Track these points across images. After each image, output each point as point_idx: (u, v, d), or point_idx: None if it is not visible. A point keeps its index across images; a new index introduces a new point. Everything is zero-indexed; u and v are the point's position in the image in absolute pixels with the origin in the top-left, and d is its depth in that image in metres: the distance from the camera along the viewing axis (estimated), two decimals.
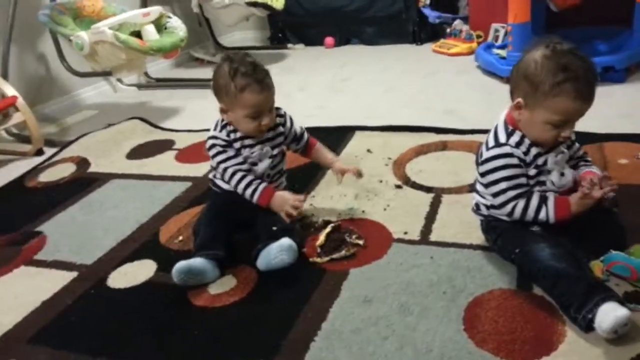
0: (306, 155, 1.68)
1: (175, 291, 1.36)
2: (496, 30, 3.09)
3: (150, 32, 2.66)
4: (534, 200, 1.22)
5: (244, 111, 1.44)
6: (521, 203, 1.23)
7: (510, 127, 1.24)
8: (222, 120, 1.53)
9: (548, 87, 1.12)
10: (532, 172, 1.24)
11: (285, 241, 1.35)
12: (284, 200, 1.48)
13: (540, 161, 1.23)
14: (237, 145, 1.52)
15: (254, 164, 1.53)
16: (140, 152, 2.36)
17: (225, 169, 1.51)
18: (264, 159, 1.55)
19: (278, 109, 1.58)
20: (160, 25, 2.78)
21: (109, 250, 1.61)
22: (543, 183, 1.25)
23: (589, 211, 1.22)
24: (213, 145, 1.52)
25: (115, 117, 2.83)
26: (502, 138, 1.24)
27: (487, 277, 1.26)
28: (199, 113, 2.80)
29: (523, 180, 1.24)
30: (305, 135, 1.65)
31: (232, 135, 1.51)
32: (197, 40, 3.91)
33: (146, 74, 3.42)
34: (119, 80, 3.35)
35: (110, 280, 1.47)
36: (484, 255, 1.34)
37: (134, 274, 1.48)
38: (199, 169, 2.07)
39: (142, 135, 2.55)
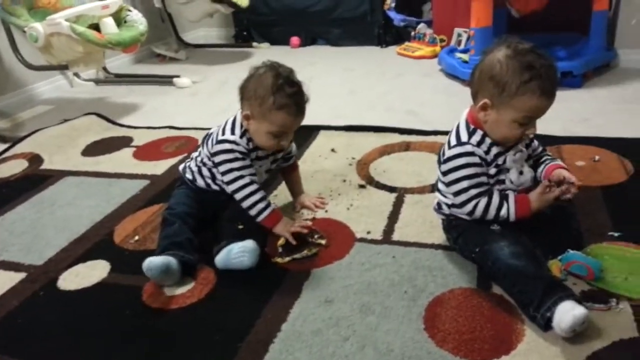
0: (284, 173, 1.67)
1: (129, 293, 1.31)
2: (459, 35, 3.13)
3: (109, 25, 2.57)
4: (495, 198, 1.23)
5: (272, 127, 1.39)
6: (483, 201, 1.24)
7: (472, 127, 1.25)
8: (242, 126, 1.45)
9: (515, 87, 1.13)
10: (492, 171, 1.25)
11: (250, 244, 1.32)
12: (291, 223, 1.46)
13: (500, 160, 1.25)
14: (252, 155, 1.47)
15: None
16: (96, 148, 2.28)
17: (240, 177, 1.43)
18: (262, 172, 1.53)
19: None
20: (119, 19, 2.70)
21: (60, 251, 1.54)
22: (502, 182, 1.27)
23: (548, 210, 1.24)
24: (231, 150, 1.42)
25: (71, 113, 2.73)
26: (464, 137, 1.25)
27: (448, 277, 1.26)
28: (159, 110, 2.73)
29: (484, 179, 1.24)
30: (294, 158, 1.64)
31: (251, 144, 1.46)
32: (159, 36, 3.82)
33: (105, 69, 3.32)
34: (76, 74, 3.23)
35: (60, 281, 1.40)
36: (445, 255, 1.34)
37: (86, 274, 1.41)
38: (158, 167, 2.01)
39: (98, 132, 2.46)
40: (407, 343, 1.08)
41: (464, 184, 1.24)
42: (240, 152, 1.43)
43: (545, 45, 2.69)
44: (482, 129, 1.24)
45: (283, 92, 1.36)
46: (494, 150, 1.24)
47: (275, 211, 1.46)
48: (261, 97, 1.37)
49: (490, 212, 1.24)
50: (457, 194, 1.26)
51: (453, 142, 1.26)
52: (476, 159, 1.23)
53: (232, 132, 1.45)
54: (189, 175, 1.57)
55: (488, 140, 1.24)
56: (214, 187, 1.53)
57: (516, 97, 1.14)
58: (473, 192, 1.24)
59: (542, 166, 1.32)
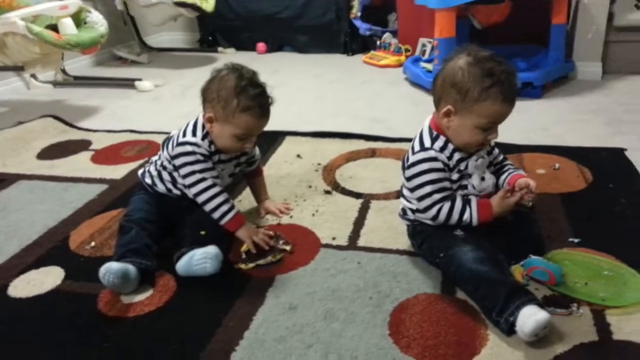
0: (248, 178, 1.64)
1: (84, 300, 1.26)
2: (423, 45, 3.17)
3: (67, 25, 2.49)
4: (458, 203, 1.24)
5: (236, 130, 1.36)
6: (446, 206, 1.24)
7: (435, 132, 1.26)
8: (203, 128, 1.42)
9: (477, 93, 1.15)
10: (454, 176, 1.26)
11: (212, 249, 1.28)
12: (255, 231, 1.43)
13: (462, 166, 1.26)
14: (214, 158, 1.44)
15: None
16: (52, 152, 2.19)
17: (202, 179, 1.39)
18: (225, 177, 1.50)
19: None
20: (79, 20, 2.62)
21: (11, 257, 1.46)
22: (465, 187, 1.28)
23: (510, 216, 1.26)
24: (192, 152, 1.38)
25: (26, 115, 2.63)
26: (427, 143, 1.25)
27: (413, 282, 1.26)
28: (119, 113, 2.66)
29: (447, 184, 1.25)
30: (257, 162, 1.61)
31: (213, 147, 1.42)
32: (121, 39, 3.74)
33: (63, 70, 3.23)
34: (33, 76, 3.12)
35: (11, 288, 1.33)
36: (410, 260, 1.34)
37: (38, 282, 1.35)
38: (117, 171, 1.94)
39: (54, 135, 2.37)
40: (372, 349, 1.06)
41: (427, 188, 1.24)
42: (201, 155, 1.40)
43: (506, 56, 2.73)
44: (445, 135, 1.25)
45: (247, 94, 1.34)
46: (457, 156, 1.25)
47: (238, 214, 1.43)
48: (224, 100, 1.34)
49: (454, 216, 1.24)
50: (420, 199, 1.26)
51: (417, 147, 1.26)
52: (439, 164, 1.24)
53: (194, 135, 1.41)
54: (148, 180, 1.52)
55: (451, 146, 1.25)
56: (175, 191, 1.49)
57: (478, 103, 1.16)
58: (436, 196, 1.24)
59: (506, 174, 1.33)
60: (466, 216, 1.24)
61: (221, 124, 1.37)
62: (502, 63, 1.17)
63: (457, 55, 1.20)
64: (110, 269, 1.24)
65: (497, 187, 1.33)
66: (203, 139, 1.41)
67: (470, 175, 1.27)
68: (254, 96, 1.35)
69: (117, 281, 1.24)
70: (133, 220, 1.42)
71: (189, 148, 1.39)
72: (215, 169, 1.43)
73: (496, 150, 1.37)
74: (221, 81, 1.36)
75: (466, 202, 1.25)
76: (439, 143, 1.25)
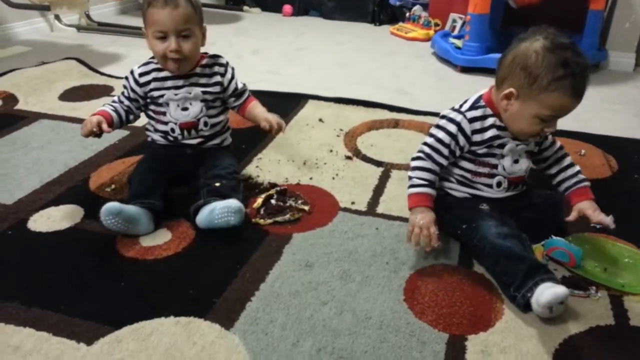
0: (240, 112, 1.54)
1: (103, 240, 1.27)
2: (454, 21, 3.11)
3: None
4: (421, 174, 1.23)
5: (150, 30, 1.37)
6: (419, 163, 1.24)
7: (482, 102, 1.23)
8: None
9: (546, 82, 1.09)
10: (481, 150, 1.23)
11: (234, 203, 1.27)
12: (87, 120, 1.41)
13: (497, 143, 1.22)
14: (153, 85, 1.43)
15: (185, 108, 1.44)
16: (74, 94, 2.19)
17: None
18: (195, 102, 1.45)
19: (219, 56, 1.50)
20: None
21: (32, 192, 1.47)
22: (494, 166, 1.24)
23: (537, 197, 1.26)
24: (125, 78, 1.47)
25: (50, 57, 2.62)
26: (464, 106, 1.24)
27: (430, 252, 1.25)
28: (140, 62, 2.62)
29: (439, 157, 1.23)
30: (246, 94, 1.54)
31: (148, 77, 1.43)
32: None
33: (88, 15, 3.20)
34: (57, 17, 3.10)
35: (31, 222, 1.34)
36: None
37: (58, 218, 1.36)
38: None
39: (77, 78, 2.36)
40: (386, 312, 1.07)
41: (429, 139, 1.25)
42: (127, 79, 1.47)
43: None
44: (494, 111, 1.21)
45: None
46: (492, 132, 1.21)
47: (100, 110, 1.45)
48: (142, 7, 1.38)
49: (410, 173, 1.25)
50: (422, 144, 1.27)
51: (455, 106, 1.25)
52: (453, 130, 1.21)
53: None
54: (149, 138, 1.54)
55: (490, 121, 1.21)
56: (160, 137, 1.49)
57: (546, 92, 1.10)
58: (426, 150, 1.24)
59: (567, 183, 1.28)
60: (408, 189, 1.24)
61: (146, 34, 1.40)
62: (579, 55, 1.11)
63: (533, 36, 1.12)
64: (107, 210, 1.23)
65: (530, 173, 1.29)
66: (140, 66, 1.46)
67: (503, 156, 1.24)
68: None
69: (115, 220, 1.22)
70: (136, 173, 1.43)
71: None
72: (141, 98, 1.46)
73: (557, 144, 1.31)
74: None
75: (419, 184, 1.23)
76: (476, 112, 1.22)
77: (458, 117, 1.22)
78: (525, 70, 1.11)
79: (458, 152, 1.23)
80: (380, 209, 1.43)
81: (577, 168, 1.30)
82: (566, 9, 2.66)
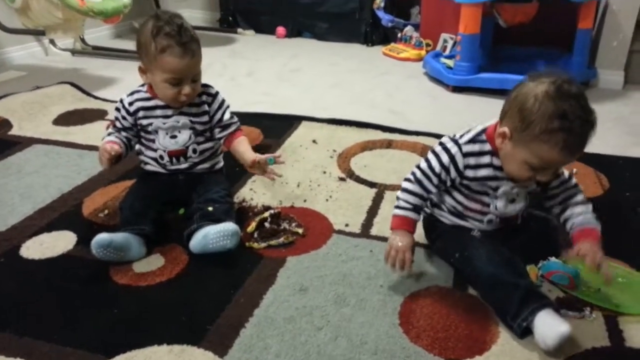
0: (226, 144, 1.51)
1: (95, 266, 1.26)
2: (445, 41, 3.14)
3: None
4: (407, 196, 1.22)
5: (163, 75, 1.34)
6: (408, 185, 1.22)
7: (483, 137, 1.17)
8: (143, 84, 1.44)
9: (538, 130, 1.04)
10: (474, 186, 1.20)
11: (230, 226, 1.27)
12: (100, 152, 1.39)
13: (492, 183, 1.18)
14: (142, 114, 1.43)
15: (173, 136, 1.44)
16: (68, 118, 2.19)
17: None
18: (183, 130, 1.44)
19: (209, 86, 1.49)
20: None
21: (25, 218, 1.47)
22: (485, 204, 1.21)
23: (529, 220, 1.25)
24: (116, 109, 1.46)
25: (44, 81, 2.63)
26: (464, 138, 1.19)
27: (425, 274, 1.25)
28: (135, 85, 2.63)
29: (428, 184, 1.21)
30: (234, 127, 1.50)
31: (139, 104, 1.43)
32: (141, 12, 3.71)
33: (83, 39, 3.21)
34: (52, 42, 3.11)
35: (23, 249, 1.34)
36: (423, 253, 1.33)
37: (50, 244, 1.35)
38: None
39: (72, 102, 2.37)
40: (382, 337, 1.06)
41: (422, 164, 1.22)
42: (117, 109, 1.45)
43: (529, 58, 2.77)
44: (493, 146, 1.16)
45: (162, 34, 1.31)
46: (486, 171, 1.17)
47: (108, 140, 1.42)
48: (145, 46, 1.34)
49: (399, 194, 1.24)
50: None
51: (455, 136, 1.21)
52: (445, 161, 1.17)
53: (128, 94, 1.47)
54: (141, 163, 1.54)
55: (486, 160, 1.16)
56: (153, 164, 1.49)
57: (536, 141, 1.05)
58: (417, 173, 1.22)
59: (573, 221, 1.20)
60: (394, 210, 1.23)
61: (150, 72, 1.37)
62: (584, 108, 1.04)
63: (542, 78, 1.06)
64: (97, 243, 1.22)
65: (529, 214, 1.27)
66: (130, 94, 1.45)
67: (496, 197, 1.20)
68: (170, 34, 1.31)
69: (105, 251, 1.23)
70: (127, 199, 1.42)
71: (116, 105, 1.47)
72: (133, 127, 1.45)
73: (565, 174, 1.22)
74: (141, 29, 1.36)
75: (404, 207, 1.21)
76: (474, 147, 1.16)
77: (453, 149, 1.17)
78: (521, 113, 1.06)
79: (449, 183, 1.21)
80: (374, 231, 1.43)
81: (589, 207, 1.21)
82: (555, 28, 2.71)
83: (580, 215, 1.20)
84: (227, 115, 1.50)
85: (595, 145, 1.96)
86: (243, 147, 1.48)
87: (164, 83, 1.35)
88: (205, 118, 1.47)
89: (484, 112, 2.35)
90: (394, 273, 1.21)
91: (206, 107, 1.47)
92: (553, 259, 1.20)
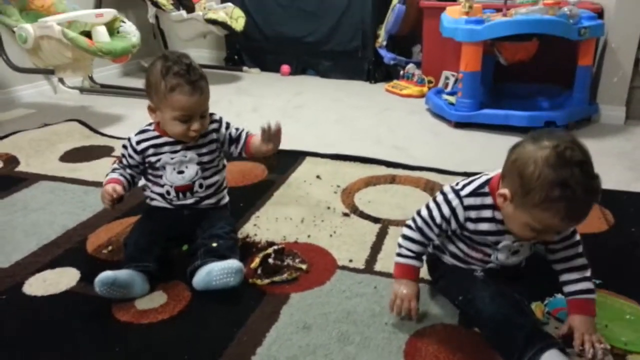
0: (247, 153, 1.56)
1: (98, 303, 1.26)
2: (446, 78, 3.19)
3: (101, 33, 2.55)
4: (411, 245, 1.22)
5: (173, 113, 1.38)
6: (408, 232, 1.22)
7: (486, 190, 1.14)
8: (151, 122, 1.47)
9: (538, 199, 1.00)
10: (476, 238, 1.18)
11: (235, 263, 1.27)
12: (102, 193, 1.41)
13: (492, 238, 1.17)
14: (151, 151, 1.45)
15: (181, 171, 1.46)
16: (75, 155, 2.22)
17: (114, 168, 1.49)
18: (190, 165, 1.47)
19: (212, 114, 1.52)
20: (113, 29, 2.68)
21: (29, 255, 1.48)
22: (486, 253, 1.20)
23: (534, 257, 1.24)
24: (123, 146, 1.48)
25: (52, 118, 2.68)
26: (465, 189, 1.16)
27: (430, 312, 1.24)
28: (142, 123, 2.68)
29: (429, 232, 1.20)
30: (243, 134, 1.55)
31: (148, 143, 1.45)
32: (149, 51, 3.80)
33: (91, 78, 3.28)
34: (61, 80, 3.18)
35: (26, 286, 1.33)
36: (428, 290, 1.32)
37: (54, 281, 1.35)
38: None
39: (79, 139, 2.41)
40: None
41: (424, 212, 1.21)
42: (125, 147, 1.48)
43: (530, 94, 2.81)
44: (495, 200, 1.13)
45: (172, 73, 1.35)
46: (487, 226, 1.14)
47: (111, 178, 1.45)
48: (155, 85, 1.37)
49: (400, 241, 1.24)
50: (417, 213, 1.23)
51: (458, 185, 1.18)
52: (447, 213, 1.16)
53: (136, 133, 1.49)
54: (147, 199, 1.55)
55: (487, 214, 1.14)
56: (160, 200, 1.49)
57: (537, 208, 1.01)
58: (418, 220, 1.21)
59: (570, 287, 1.16)
60: (396, 257, 1.24)
61: (160, 110, 1.40)
62: (587, 175, 0.98)
63: (543, 141, 1.01)
64: (100, 281, 1.23)
65: (527, 262, 1.25)
66: (138, 133, 1.48)
67: (498, 250, 1.19)
68: (179, 74, 1.35)
69: (108, 288, 1.23)
70: (132, 235, 1.43)
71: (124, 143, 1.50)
72: (140, 165, 1.47)
73: (568, 230, 1.15)
74: (151, 69, 1.40)
75: (406, 255, 1.22)
76: (475, 200, 1.14)
77: (454, 202, 1.15)
78: (521, 179, 1.02)
79: (450, 232, 1.21)
80: (378, 267, 1.42)
81: (587, 273, 1.16)
82: (556, 65, 2.75)
83: (577, 283, 1.15)
84: (234, 131, 1.55)
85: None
86: (257, 141, 1.55)
87: (174, 120, 1.38)
88: (214, 146, 1.50)
89: (486, 148, 2.37)
90: (400, 320, 1.20)
91: (214, 135, 1.50)
92: (559, 295, 1.19)
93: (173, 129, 1.41)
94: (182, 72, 1.35)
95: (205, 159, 1.49)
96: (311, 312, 1.24)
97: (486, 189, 1.15)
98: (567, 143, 1.00)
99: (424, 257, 1.28)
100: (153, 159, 1.46)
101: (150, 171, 1.49)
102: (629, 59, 2.63)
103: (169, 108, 1.37)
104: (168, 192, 1.47)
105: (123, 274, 1.26)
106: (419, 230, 1.21)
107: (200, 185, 1.48)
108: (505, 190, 1.07)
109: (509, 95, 2.82)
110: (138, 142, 1.46)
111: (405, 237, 1.23)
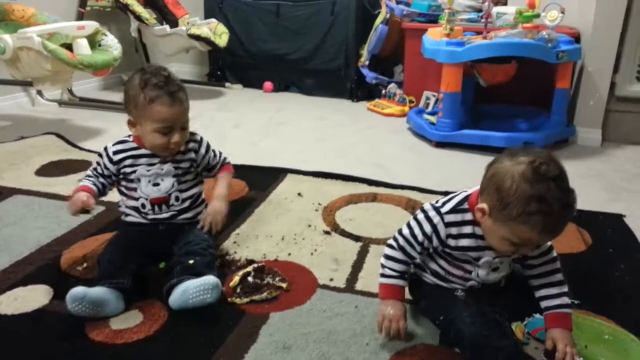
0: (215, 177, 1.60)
1: (71, 322, 1.22)
2: (427, 98, 3.23)
3: (82, 45, 2.52)
4: (394, 265, 1.22)
5: (153, 125, 1.37)
6: (391, 252, 1.22)
7: (466, 207, 1.16)
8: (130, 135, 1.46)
9: (515, 213, 1.02)
10: (457, 254, 1.19)
11: (211, 279, 1.24)
12: (75, 198, 1.39)
13: (472, 254, 1.18)
14: (127, 162, 1.44)
15: (156, 184, 1.44)
16: (51, 169, 2.18)
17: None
18: (166, 178, 1.45)
19: (194, 134, 1.51)
20: (94, 42, 2.66)
21: (0, 272, 1.42)
22: (467, 270, 1.21)
23: (516, 277, 1.24)
24: (99, 154, 1.47)
25: (29, 131, 2.62)
26: (446, 206, 1.17)
27: (411, 332, 1.23)
28: (120, 137, 2.64)
29: (412, 250, 1.21)
30: (217, 167, 1.57)
31: (125, 153, 1.43)
32: (130, 65, 3.77)
33: (70, 91, 3.24)
34: (39, 93, 3.13)
35: None
36: (409, 309, 1.30)
37: (25, 299, 1.31)
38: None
39: (55, 152, 2.36)
40: None
41: (405, 230, 1.21)
42: (100, 155, 1.46)
43: (509, 116, 2.85)
44: (474, 217, 1.14)
45: (150, 85, 1.35)
46: (467, 241, 1.16)
47: (83, 185, 1.44)
48: (134, 98, 1.37)
49: (383, 261, 1.24)
50: (398, 232, 1.24)
51: (438, 203, 1.19)
52: (428, 230, 1.17)
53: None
54: (122, 215, 1.52)
55: (468, 229, 1.15)
56: (132, 212, 1.47)
57: (514, 222, 1.03)
58: (400, 240, 1.21)
59: (548, 302, 1.18)
60: (380, 278, 1.24)
61: (140, 124, 1.39)
62: (562, 189, 1.01)
63: (520, 157, 1.04)
64: (71, 297, 1.19)
65: (508, 279, 1.26)
66: (115, 144, 1.46)
67: (478, 266, 1.19)
68: (158, 85, 1.35)
69: (80, 306, 1.19)
70: (106, 252, 1.40)
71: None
72: (113, 176, 1.46)
73: (544, 247, 1.18)
74: (128, 83, 1.40)
75: (390, 275, 1.22)
76: (455, 217, 1.15)
77: (435, 219, 1.16)
78: (499, 193, 1.04)
79: (431, 250, 1.21)
80: (359, 286, 1.41)
81: (565, 289, 1.19)
82: (534, 87, 2.80)
83: (555, 298, 1.17)
84: (212, 160, 1.55)
85: (577, 201, 2.02)
86: (219, 184, 1.55)
87: (154, 133, 1.37)
88: (187, 164, 1.49)
89: (466, 167, 2.39)
90: (389, 341, 1.19)
91: (193, 155, 1.49)
92: (538, 315, 1.19)
93: (153, 142, 1.40)
94: (160, 84, 1.35)
95: (182, 172, 1.48)
96: (291, 332, 1.22)
97: (465, 205, 1.16)
98: (542, 158, 1.03)
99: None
100: (129, 169, 1.44)
101: (124, 183, 1.47)
102: (605, 83, 2.69)
103: (149, 120, 1.36)
104: (143, 205, 1.45)
105: (95, 290, 1.23)
106: (401, 249, 1.21)
107: (177, 198, 1.46)
108: (483, 205, 1.09)
109: (488, 116, 2.86)
110: (115, 152, 1.44)
111: (387, 256, 1.23)
